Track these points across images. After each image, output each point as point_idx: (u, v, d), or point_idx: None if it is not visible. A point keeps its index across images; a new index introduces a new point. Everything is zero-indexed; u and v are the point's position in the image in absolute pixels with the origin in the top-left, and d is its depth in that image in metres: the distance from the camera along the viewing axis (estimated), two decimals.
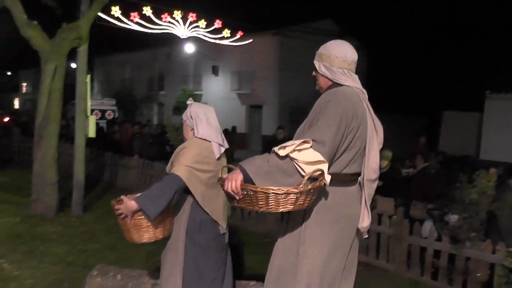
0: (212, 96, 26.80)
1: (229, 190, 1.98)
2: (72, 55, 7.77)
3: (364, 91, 2.34)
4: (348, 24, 24.16)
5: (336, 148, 2.10)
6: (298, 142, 1.99)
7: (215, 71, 26.27)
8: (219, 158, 2.78)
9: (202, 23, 16.64)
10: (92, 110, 11.53)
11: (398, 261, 5.48)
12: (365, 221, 2.32)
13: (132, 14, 15.18)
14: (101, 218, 7.10)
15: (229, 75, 25.84)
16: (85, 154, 7.77)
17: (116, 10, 14.44)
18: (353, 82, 2.30)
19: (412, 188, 7.09)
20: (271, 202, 1.92)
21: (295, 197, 1.92)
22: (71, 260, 5.15)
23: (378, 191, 6.65)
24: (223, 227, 2.83)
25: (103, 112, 20.10)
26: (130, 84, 31.83)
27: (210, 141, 2.76)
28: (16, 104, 45.72)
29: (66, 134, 12.70)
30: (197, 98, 26.91)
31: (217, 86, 26.80)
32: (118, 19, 14.78)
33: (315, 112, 2.18)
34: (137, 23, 15.40)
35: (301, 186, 1.90)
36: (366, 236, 2.43)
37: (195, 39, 18.66)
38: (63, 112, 7.43)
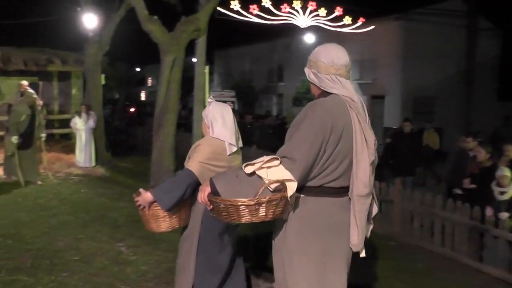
0: None
1: (199, 201, 2.16)
2: (191, 50, 7.98)
3: (356, 98, 2.18)
4: (478, 3, 21.91)
5: (311, 165, 2.05)
6: (266, 159, 1.99)
7: None
8: (233, 156, 2.94)
9: (322, 11, 16.17)
10: None
11: None
12: (353, 237, 2.20)
13: (251, 6, 15.30)
14: None
15: None
16: None
17: (235, 4, 14.65)
18: (342, 89, 2.18)
19: None
20: (232, 213, 1.98)
21: (254, 208, 1.94)
22: None
23: None
24: None
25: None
26: (249, 76, 32.61)
27: (223, 141, 2.90)
28: (143, 96, 50.68)
29: (186, 124, 13.29)
30: None
31: None
32: (237, 12, 14.99)
33: (294, 126, 2.14)
34: (256, 15, 15.48)
35: (257, 197, 1.91)
36: (363, 255, 2.28)
37: (314, 28, 18.21)
38: (183, 103, 7.69)
